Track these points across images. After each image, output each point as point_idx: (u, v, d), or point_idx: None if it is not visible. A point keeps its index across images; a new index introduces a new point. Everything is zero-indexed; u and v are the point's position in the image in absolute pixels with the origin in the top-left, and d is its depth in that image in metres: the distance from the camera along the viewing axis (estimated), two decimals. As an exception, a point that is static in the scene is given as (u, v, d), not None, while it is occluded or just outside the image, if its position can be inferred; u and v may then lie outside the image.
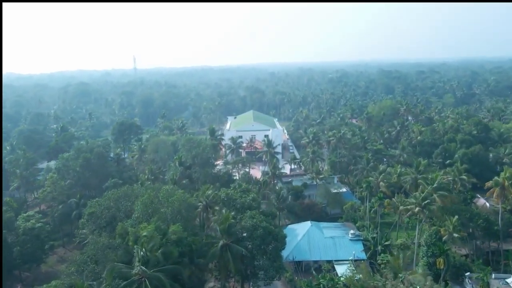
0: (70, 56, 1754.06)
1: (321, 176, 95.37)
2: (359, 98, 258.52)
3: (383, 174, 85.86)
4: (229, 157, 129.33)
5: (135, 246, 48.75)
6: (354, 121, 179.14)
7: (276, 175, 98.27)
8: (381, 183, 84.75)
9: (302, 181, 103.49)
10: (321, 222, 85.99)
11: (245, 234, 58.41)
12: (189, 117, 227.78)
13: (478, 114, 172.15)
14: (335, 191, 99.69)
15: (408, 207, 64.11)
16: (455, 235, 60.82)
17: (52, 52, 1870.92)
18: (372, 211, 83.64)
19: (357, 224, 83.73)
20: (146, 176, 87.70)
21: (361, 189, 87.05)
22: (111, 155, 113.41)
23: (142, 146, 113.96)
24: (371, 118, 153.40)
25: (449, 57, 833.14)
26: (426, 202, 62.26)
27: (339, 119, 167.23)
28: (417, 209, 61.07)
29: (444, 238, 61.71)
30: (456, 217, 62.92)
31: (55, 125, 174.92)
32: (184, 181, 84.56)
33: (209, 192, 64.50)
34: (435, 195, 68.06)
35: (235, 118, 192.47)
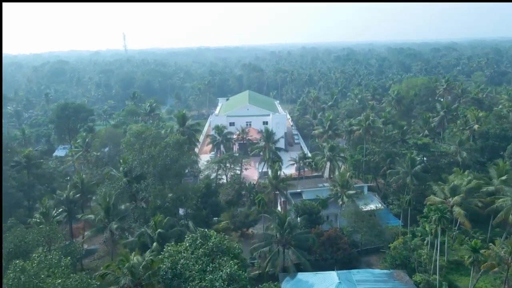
0: (65, 37, 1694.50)
1: (350, 192, 60.61)
2: (373, 77, 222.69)
3: (461, 195, 50.80)
4: (215, 153, 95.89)
5: None
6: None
7: (278, 187, 64.11)
8: (455, 207, 50.26)
9: (316, 193, 69.19)
10: (353, 271, 52.23)
11: None
12: (175, 99, 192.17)
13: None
14: (367, 208, 65.75)
15: None
16: None
17: (47, 33, 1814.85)
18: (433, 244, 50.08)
19: (414, 278, 50.00)
20: (65, 194, 53.41)
21: (425, 220, 52.40)
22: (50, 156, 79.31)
23: (87, 140, 79.12)
24: (401, 100, 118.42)
25: (455, 38, 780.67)
26: None
27: (356, 101, 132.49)
28: None
29: None
30: None
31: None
32: (123, 206, 50.36)
33: (136, 259, 29.98)
34: None
35: (227, 100, 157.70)
